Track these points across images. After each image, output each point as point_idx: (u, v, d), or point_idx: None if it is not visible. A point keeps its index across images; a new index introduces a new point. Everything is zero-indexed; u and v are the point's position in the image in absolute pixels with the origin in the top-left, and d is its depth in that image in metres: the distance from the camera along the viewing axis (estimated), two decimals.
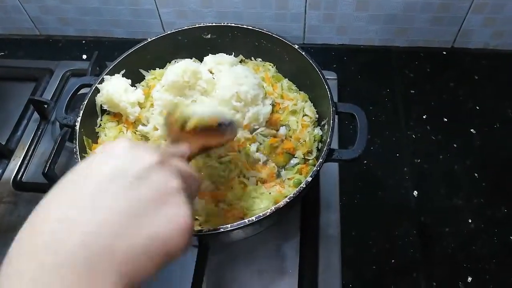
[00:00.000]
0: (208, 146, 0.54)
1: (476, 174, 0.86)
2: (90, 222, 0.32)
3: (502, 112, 0.95)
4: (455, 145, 0.91)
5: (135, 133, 0.78)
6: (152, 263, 0.34)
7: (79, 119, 0.73)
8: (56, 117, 0.79)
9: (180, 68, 0.75)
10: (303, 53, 0.76)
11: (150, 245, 0.34)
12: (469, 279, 0.74)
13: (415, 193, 0.84)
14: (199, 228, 0.63)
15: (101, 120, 0.80)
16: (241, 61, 0.87)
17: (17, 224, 0.86)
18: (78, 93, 0.79)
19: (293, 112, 0.78)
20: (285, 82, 0.84)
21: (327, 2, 0.99)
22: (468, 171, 0.87)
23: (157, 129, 0.75)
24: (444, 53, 1.08)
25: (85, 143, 0.74)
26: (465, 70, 1.04)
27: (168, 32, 0.83)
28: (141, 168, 0.37)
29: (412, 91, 1.00)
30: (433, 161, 0.89)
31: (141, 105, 0.79)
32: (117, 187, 0.35)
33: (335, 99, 0.96)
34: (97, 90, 0.77)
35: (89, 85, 0.78)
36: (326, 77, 0.98)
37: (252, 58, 0.87)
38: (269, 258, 0.76)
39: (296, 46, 0.77)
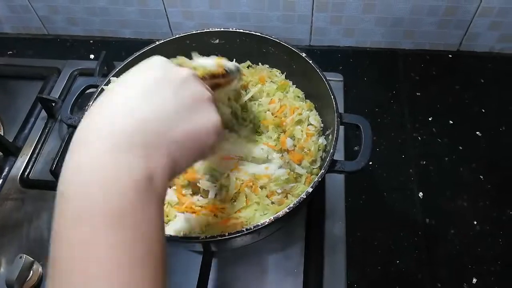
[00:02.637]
0: (217, 85, 0.58)
1: (481, 177, 0.86)
2: (147, 112, 0.39)
3: (508, 115, 0.95)
4: (460, 148, 0.91)
5: None
6: (191, 154, 0.42)
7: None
8: (61, 118, 0.79)
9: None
10: (310, 61, 0.76)
11: (191, 137, 0.42)
12: (474, 280, 0.74)
13: (420, 194, 0.85)
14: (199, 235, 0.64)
15: None
16: (248, 67, 0.87)
17: (24, 221, 0.87)
18: (87, 92, 0.80)
19: (298, 122, 0.78)
20: (292, 90, 0.84)
21: (334, 4, 1.00)
22: (474, 173, 0.87)
23: None
24: (450, 56, 1.08)
25: None
26: (471, 73, 1.04)
27: (176, 36, 0.83)
28: (183, 77, 0.44)
29: (418, 94, 1.00)
30: (438, 163, 0.89)
31: None
32: (166, 89, 0.42)
33: (341, 101, 0.97)
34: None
35: (96, 86, 0.79)
36: (332, 79, 1.00)
37: (260, 64, 0.87)
38: (274, 257, 0.76)
39: (304, 55, 0.77)
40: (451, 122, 0.95)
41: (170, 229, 0.65)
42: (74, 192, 0.34)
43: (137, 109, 0.38)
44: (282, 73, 0.86)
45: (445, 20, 1.01)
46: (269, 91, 0.81)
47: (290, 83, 0.84)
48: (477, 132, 0.93)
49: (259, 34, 0.81)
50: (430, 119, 0.96)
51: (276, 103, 0.79)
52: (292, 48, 0.79)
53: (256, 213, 0.67)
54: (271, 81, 0.84)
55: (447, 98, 0.99)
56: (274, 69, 0.86)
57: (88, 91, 0.80)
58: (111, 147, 0.35)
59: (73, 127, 0.76)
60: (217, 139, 0.46)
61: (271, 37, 0.80)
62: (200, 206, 0.68)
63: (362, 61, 1.08)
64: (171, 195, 0.70)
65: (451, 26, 1.02)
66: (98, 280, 0.31)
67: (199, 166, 0.69)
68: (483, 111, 0.96)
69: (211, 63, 0.55)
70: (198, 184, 0.69)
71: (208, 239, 0.58)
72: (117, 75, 0.78)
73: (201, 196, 0.70)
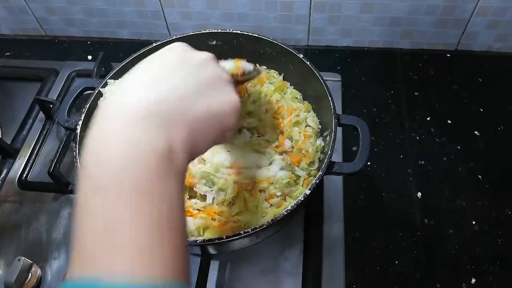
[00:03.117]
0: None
1: (480, 176, 0.86)
2: (167, 89, 0.40)
3: (506, 115, 0.95)
4: (459, 147, 0.91)
5: None
6: (210, 134, 0.42)
7: (80, 122, 0.73)
8: (58, 120, 0.79)
9: None
10: (307, 62, 0.76)
11: (210, 116, 0.42)
12: (473, 280, 0.74)
13: (419, 194, 0.85)
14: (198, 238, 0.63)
15: None
16: None
17: (22, 223, 0.87)
18: (85, 93, 0.80)
19: (296, 123, 0.77)
20: (289, 91, 0.83)
21: (332, 4, 1.00)
22: (472, 173, 0.87)
23: None
24: (448, 55, 1.08)
25: None
26: (469, 72, 1.04)
27: (173, 38, 0.83)
28: (202, 58, 0.46)
29: (416, 93, 1.00)
30: (437, 163, 0.89)
31: None
32: (186, 69, 0.43)
33: (339, 101, 0.97)
34: (100, 94, 0.77)
35: (93, 88, 0.79)
36: (330, 79, 1.00)
37: (257, 65, 0.87)
38: (273, 259, 0.76)
39: (301, 56, 0.77)
40: (449, 122, 0.95)
41: None
42: (97, 161, 0.35)
43: (157, 87, 0.39)
44: (280, 74, 0.85)
45: (443, 20, 1.01)
46: (267, 92, 0.81)
47: (288, 84, 0.84)
48: (476, 132, 0.93)
49: (256, 35, 0.81)
50: (428, 118, 0.96)
51: (274, 105, 0.79)
52: (289, 49, 0.78)
53: (254, 216, 0.67)
54: (269, 82, 0.84)
55: (445, 98, 0.99)
56: (272, 70, 0.86)
57: (85, 93, 0.80)
58: (133, 121, 0.36)
59: (70, 130, 0.76)
60: (237, 122, 0.46)
61: (268, 38, 0.80)
62: (197, 210, 0.68)
63: (360, 61, 1.08)
64: None
65: (449, 26, 1.02)
66: (121, 244, 0.32)
67: (196, 171, 0.69)
68: (482, 110, 0.97)
69: (231, 64, 0.57)
70: (195, 189, 0.69)
71: (206, 243, 0.58)
72: (115, 77, 0.79)
73: (198, 200, 0.70)
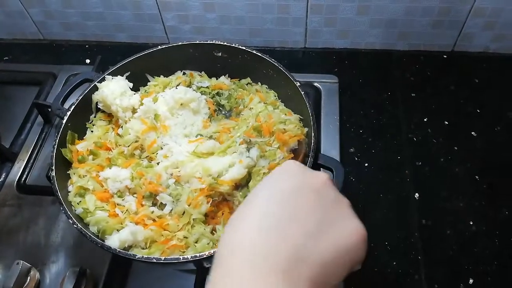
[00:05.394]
0: None
1: (477, 177, 0.87)
2: (287, 231, 0.36)
3: (502, 115, 0.96)
4: (456, 148, 0.91)
5: (119, 135, 0.79)
6: (339, 272, 0.38)
7: (68, 113, 0.75)
8: (51, 106, 0.81)
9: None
10: (303, 92, 0.76)
11: (338, 255, 0.37)
12: (471, 281, 0.74)
13: (416, 195, 0.85)
14: (192, 254, 0.62)
15: (94, 117, 0.82)
16: (247, 84, 0.88)
17: (21, 227, 0.86)
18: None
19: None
20: (281, 108, 0.82)
21: (329, 6, 1.00)
22: (469, 173, 0.87)
23: (129, 133, 0.76)
24: (445, 56, 1.08)
25: (68, 137, 0.75)
26: (465, 73, 1.04)
27: (179, 43, 0.85)
28: (319, 183, 0.41)
29: (413, 95, 1.01)
30: (434, 164, 0.89)
31: (134, 111, 0.80)
32: (306, 199, 0.39)
33: (336, 104, 0.97)
34: (96, 88, 0.80)
35: (91, 80, 0.81)
36: (328, 81, 1.01)
37: (259, 83, 0.88)
38: None
39: (298, 84, 0.77)
40: (446, 123, 0.95)
41: (116, 239, 0.64)
42: None
43: (276, 228, 0.37)
44: (278, 97, 0.86)
45: (439, 21, 1.01)
46: (256, 107, 0.82)
47: (282, 104, 0.84)
48: (472, 132, 0.93)
49: (260, 55, 0.82)
50: (425, 120, 0.96)
51: (262, 120, 0.78)
52: (289, 76, 0.79)
53: (197, 234, 0.67)
54: (264, 103, 0.84)
55: (442, 99, 1.00)
56: (272, 91, 0.86)
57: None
58: (250, 271, 0.34)
59: (59, 117, 0.78)
60: (366, 251, 0.41)
61: (272, 60, 0.81)
62: (152, 220, 0.68)
63: (357, 62, 1.09)
64: (131, 202, 0.70)
65: (445, 27, 1.03)
66: None
67: (164, 180, 0.70)
68: (478, 111, 0.97)
69: None
70: (157, 198, 0.70)
71: (199, 258, 0.59)
72: (113, 75, 0.81)
73: (157, 207, 0.70)
